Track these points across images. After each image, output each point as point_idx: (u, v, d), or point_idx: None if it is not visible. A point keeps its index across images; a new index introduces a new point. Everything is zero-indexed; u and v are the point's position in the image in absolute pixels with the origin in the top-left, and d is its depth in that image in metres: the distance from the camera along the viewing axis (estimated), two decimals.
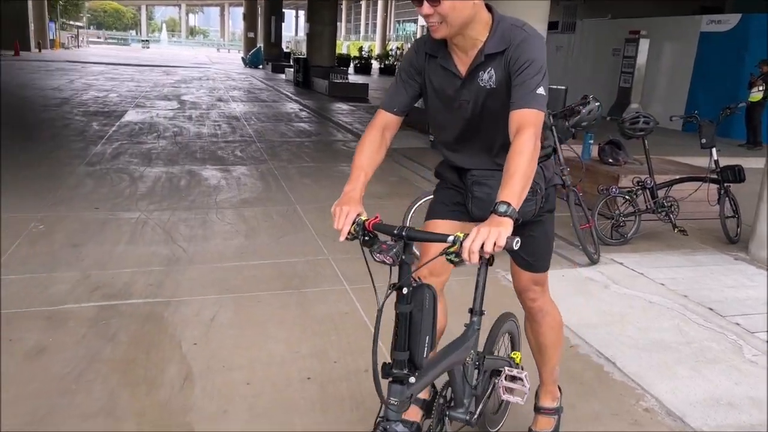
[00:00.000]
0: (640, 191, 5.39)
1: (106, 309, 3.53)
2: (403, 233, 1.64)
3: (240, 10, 41.80)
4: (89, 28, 66.91)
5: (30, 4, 32.60)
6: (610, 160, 6.50)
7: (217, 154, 8.43)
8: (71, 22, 50.92)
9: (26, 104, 12.60)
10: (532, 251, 2.14)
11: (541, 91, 1.81)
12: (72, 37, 46.08)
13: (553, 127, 4.53)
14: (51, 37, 38.09)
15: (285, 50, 34.16)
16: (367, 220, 1.71)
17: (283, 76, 24.80)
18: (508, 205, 1.62)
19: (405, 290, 1.66)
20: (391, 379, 1.70)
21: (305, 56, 21.82)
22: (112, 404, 2.65)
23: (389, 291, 1.64)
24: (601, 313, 3.84)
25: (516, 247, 1.57)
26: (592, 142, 6.79)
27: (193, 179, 6.86)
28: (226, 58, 45.86)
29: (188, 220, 5.31)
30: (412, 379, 1.69)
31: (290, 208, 5.88)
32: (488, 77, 1.91)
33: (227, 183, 6.78)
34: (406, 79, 2.05)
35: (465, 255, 1.54)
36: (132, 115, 11.60)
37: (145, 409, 2.63)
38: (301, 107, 15.04)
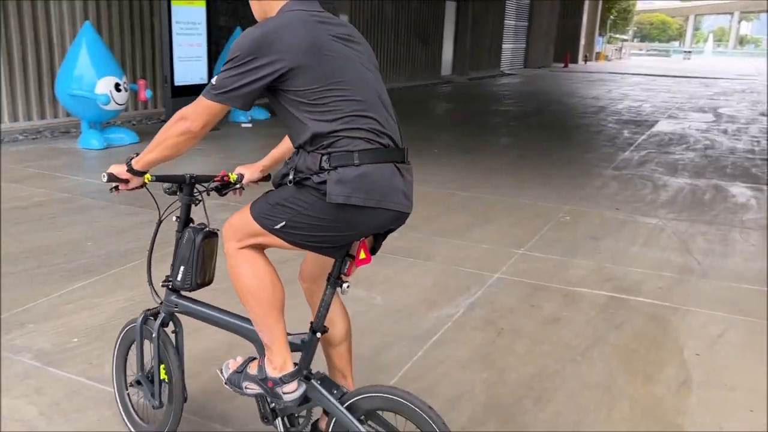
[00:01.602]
0: None
1: (615, 300, 3.78)
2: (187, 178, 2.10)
3: None
4: (633, 41, 69.04)
5: (584, 20, 35.64)
6: None
7: (751, 171, 7.76)
8: (617, 36, 53.49)
9: (568, 110, 14.00)
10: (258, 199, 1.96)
11: (212, 80, 1.83)
12: (616, 49, 48.41)
13: None
14: (597, 50, 40.85)
15: None
16: (225, 175, 2.13)
17: None
18: (131, 157, 2.02)
19: (175, 219, 2.14)
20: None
21: None
22: (610, 382, 2.87)
23: (162, 217, 2.15)
24: None
25: (103, 180, 2.02)
26: None
27: (719, 194, 6.52)
28: None
29: (707, 234, 5.12)
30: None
31: None
32: None
33: (758, 203, 6.21)
34: None
35: None
36: (663, 126, 11.63)
37: (640, 396, 2.76)
38: None
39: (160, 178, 2.06)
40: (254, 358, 2.08)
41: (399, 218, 1.88)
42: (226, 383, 2.08)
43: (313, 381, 1.97)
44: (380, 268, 4.13)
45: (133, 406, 2.38)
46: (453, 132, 10.89)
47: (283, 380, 1.94)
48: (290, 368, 1.95)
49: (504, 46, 26.21)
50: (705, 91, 20.33)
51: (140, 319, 2.23)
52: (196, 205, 2.14)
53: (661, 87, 21.29)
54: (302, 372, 1.97)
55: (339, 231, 1.84)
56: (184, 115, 1.84)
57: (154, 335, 2.17)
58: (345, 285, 1.94)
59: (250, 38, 1.77)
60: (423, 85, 18.44)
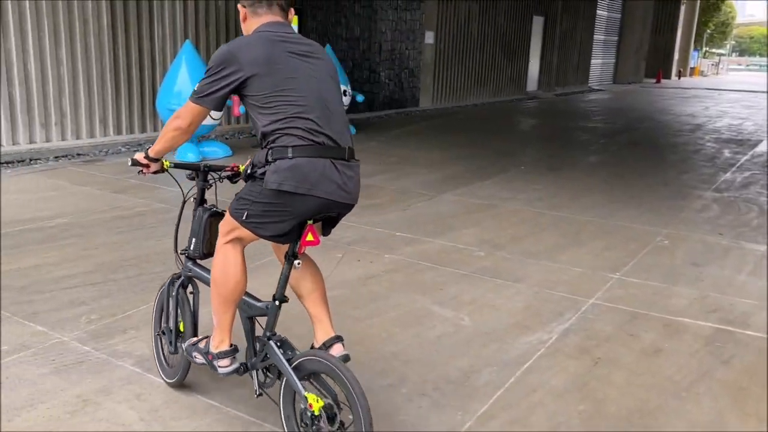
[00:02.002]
0: None
1: (722, 332, 3.54)
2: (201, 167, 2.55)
3: None
4: (730, 55, 65.65)
5: (678, 35, 34.22)
6: None
7: None
8: (714, 50, 51.02)
9: (661, 128, 13.41)
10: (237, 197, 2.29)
11: (195, 87, 2.22)
12: (712, 64, 46.18)
13: None
14: (692, 65, 39.07)
15: None
16: (235, 166, 2.52)
17: None
18: (148, 147, 2.45)
19: (192, 200, 2.57)
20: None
21: None
22: (720, 423, 2.67)
23: (185, 198, 2.59)
24: None
25: (128, 164, 2.46)
26: None
27: None
28: None
29: None
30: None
31: None
32: None
33: None
34: None
35: None
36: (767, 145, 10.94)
37: None
38: None
39: (178, 165, 2.49)
40: (208, 337, 2.47)
41: (337, 206, 2.20)
42: (184, 352, 2.54)
43: (271, 342, 2.29)
44: (466, 287, 4.06)
45: (162, 351, 2.81)
46: (539, 148, 10.65)
47: (218, 356, 2.38)
48: (226, 347, 2.38)
49: (593, 61, 25.51)
50: None
51: (168, 281, 2.70)
52: (208, 189, 2.58)
53: (763, 104, 20.08)
54: (237, 351, 2.39)
55: (281, 216, 2.16)
56: (177, 114, 2.26)
57: (173, 294, 2.66)
58: (296, 262, 2.27)
59: (221, 53, 2.20)
60: (508, 101, 18.20)
